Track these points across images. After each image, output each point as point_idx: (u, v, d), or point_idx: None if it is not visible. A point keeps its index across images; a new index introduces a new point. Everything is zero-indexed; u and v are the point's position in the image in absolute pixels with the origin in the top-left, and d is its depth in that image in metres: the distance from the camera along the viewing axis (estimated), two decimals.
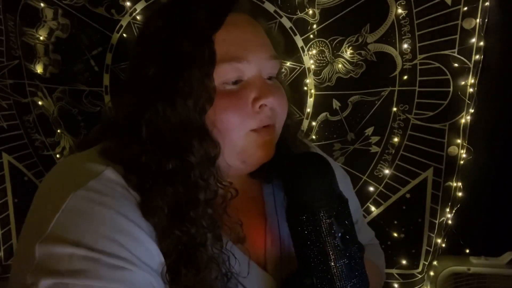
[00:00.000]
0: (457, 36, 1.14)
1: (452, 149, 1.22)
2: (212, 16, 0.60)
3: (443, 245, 1.30)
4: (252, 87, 0.62)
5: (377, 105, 1.22)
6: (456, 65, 1.15)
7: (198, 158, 0.58)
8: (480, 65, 1.15)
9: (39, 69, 1.25)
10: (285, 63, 1.21)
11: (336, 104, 1.24)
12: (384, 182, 1.28)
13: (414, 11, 1.14)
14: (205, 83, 0.58)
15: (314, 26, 1.18)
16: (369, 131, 1.25)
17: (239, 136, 0.62)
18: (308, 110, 1.25)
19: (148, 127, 0.58)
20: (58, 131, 1.31)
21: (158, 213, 0.55)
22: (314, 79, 1.23)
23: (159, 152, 0.57)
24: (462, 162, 1.23)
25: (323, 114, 1.26)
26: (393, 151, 1.26)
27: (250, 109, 0.62)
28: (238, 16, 0.64)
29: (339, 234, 0.59)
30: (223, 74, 0.60)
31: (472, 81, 1.16)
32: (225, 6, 0.62)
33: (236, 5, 0.64)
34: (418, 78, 1.19)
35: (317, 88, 1.24)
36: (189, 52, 0.58)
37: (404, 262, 1.30)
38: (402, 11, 1.15)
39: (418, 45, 1.16)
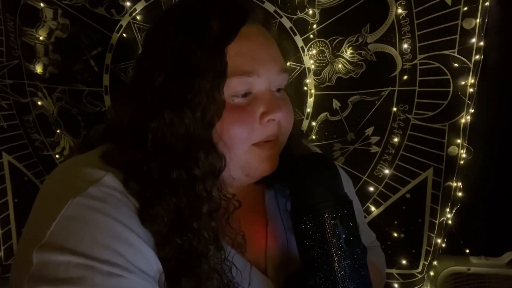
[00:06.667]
0: (457, 36, 1.14)
1: (452, 149, 1.22)
2: (226, 27, 0.59)
3: (443, 245, 1.30)
4: (260, 102, 0.62)
5: (377, 105, 1.22)
6: (456, 65, 1.15)
7: (203, 171, 0.57)
8: (480, 65, 1.15)
9: (38, 69, 1.24)
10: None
11: (336, 104, 1.24)
12: (384, 182, 1.28)
13: (414, 11, 1.15)
14: (215, 96, 0.57)
15: (314, 26, 1.18)
16: (369, 131, 1.25)
17: (243, 150, 0.61)
18: (308, 110, 1.25)
19: (153, 135, 0.57)
20: (58, 131, 1.30)
21: (158, 220, 0.55)
22: (314, 79, 1.23)
23: (163, 161, 0.57)
24: (462, 162, 1.23)
25: (323, 114, 1.26)
26: (393, 151, 1.26)
27: (258, 124, 0.61)
28: (252, 28, 0.62)
29: (343, 236, 0.60)
30: (233, 88, 0.59)
31: (472, 81, 1.16)
32: (239, 18, 0.61)
33: (250, 16, 0.62)
34: (418, 78, 1.19)
35: (317, 88, 1.23)
36: (200, 63, 0.57)
37: (404, 262, 1.31)
38: (402, 11, 1.15)
39: (418, 45, 1.16)
